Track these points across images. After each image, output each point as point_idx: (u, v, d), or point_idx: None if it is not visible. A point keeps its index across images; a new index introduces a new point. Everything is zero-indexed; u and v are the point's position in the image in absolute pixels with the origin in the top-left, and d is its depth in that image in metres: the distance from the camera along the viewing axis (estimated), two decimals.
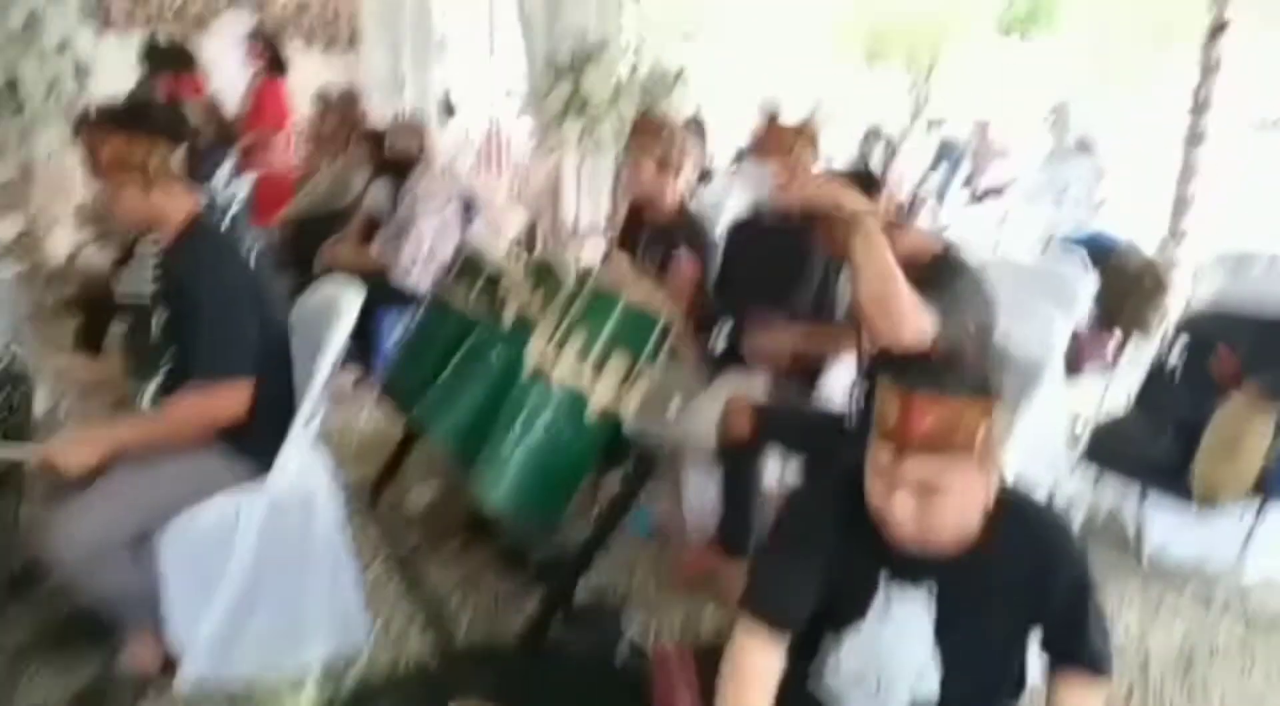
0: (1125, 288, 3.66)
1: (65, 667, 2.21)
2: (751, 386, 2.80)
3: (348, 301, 2.31)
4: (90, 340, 4.10)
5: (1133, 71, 8.07)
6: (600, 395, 2.17)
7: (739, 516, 2.70)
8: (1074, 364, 3.82)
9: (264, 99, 6.42)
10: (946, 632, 1.56)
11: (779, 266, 2.86)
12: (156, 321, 2.23)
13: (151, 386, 2.24)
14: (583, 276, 2.31)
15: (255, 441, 2.18)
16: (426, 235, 4.14)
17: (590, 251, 4.48)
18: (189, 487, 2.11)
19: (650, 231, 3.31)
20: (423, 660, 2.33)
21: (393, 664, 2.32)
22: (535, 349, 2.24)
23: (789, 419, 2.64)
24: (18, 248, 3.38)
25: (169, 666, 2.17)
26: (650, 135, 3.22)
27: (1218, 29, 4.43)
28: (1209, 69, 4.50)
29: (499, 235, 4.46)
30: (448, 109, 7.48)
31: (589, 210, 4.53)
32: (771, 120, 3.06)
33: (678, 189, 3.28)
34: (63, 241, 3.52)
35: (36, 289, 3.60)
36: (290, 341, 2.29)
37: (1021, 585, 1.51)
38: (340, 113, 5.29)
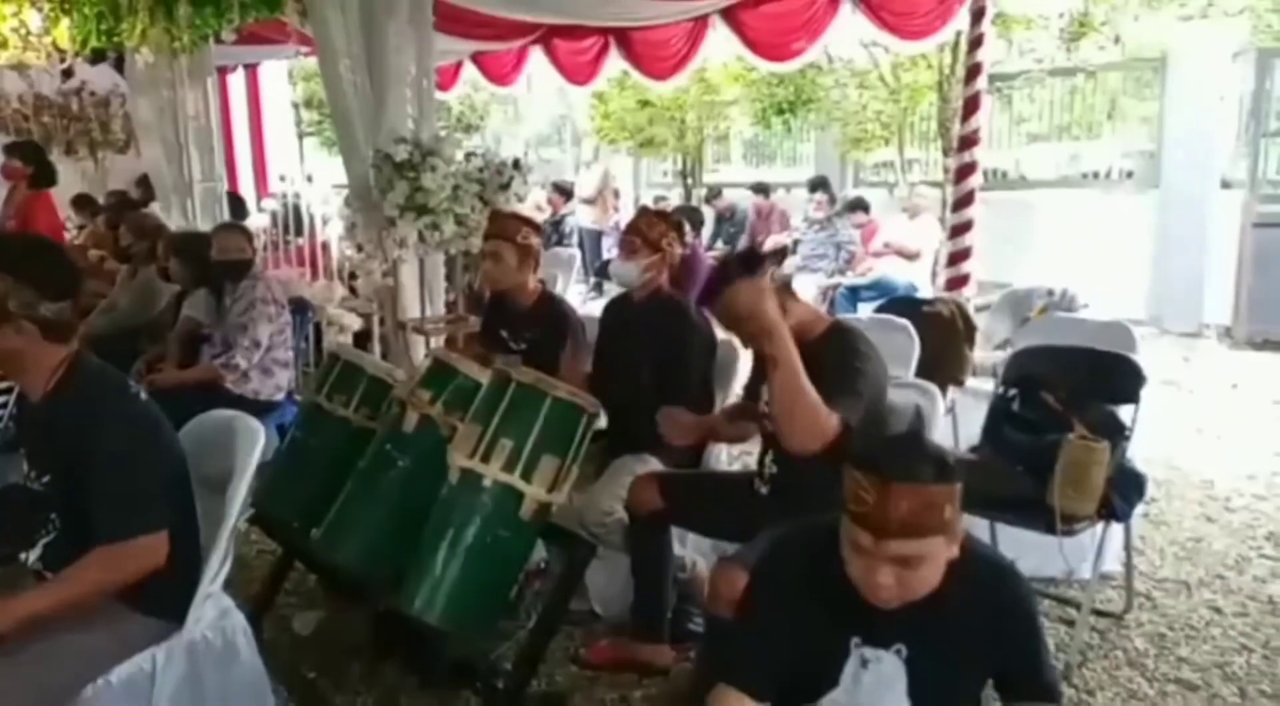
0: (942, 333, 4.01)
1: None
2: (647, 466, 2.88)
3: (250, 431, 2.20)
4: None
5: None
6: (534, 491, 2.18)
7: (652, 597, 2.75)
8: None
9: (33, 214, 5.94)
10: (920, 690, 1.65)
11: (656, 349, 2.97)
12: (33, 482, 2.02)
13: (34, 553, 2.02)
14: (498, 375, 2.32)
15: (163, 595, 2.01)
16: (264, 341, 3.96)
17: (434, 345, 4.43)
18: (103, 653, 1.92)
19: (514, 319, 3.37)
20: None
21: None
22: (460, 453, 2.21)
23: (697, 484, 2.74)
24: None
25: None
26: (509, 229, 3.31)
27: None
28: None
29: (342, 334, 4.34)
30: (237, 209, 7.18)
31: (429, 308, 4.49)
32: (635, 221, 3.20)
33: (537, 276, 3.40)
34: None
35: None
36: (189, 479, 2.14)
37: (981, 631, 1.62)
38: (137, 226, 5.00)
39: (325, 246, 5.73)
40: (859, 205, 8.53)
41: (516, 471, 2.18)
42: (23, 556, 2.04)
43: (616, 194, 11.24)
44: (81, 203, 8.18)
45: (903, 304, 4.33)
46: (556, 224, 9.74)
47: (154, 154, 6.78)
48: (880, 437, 1.80)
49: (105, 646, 1.92)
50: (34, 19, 5.07)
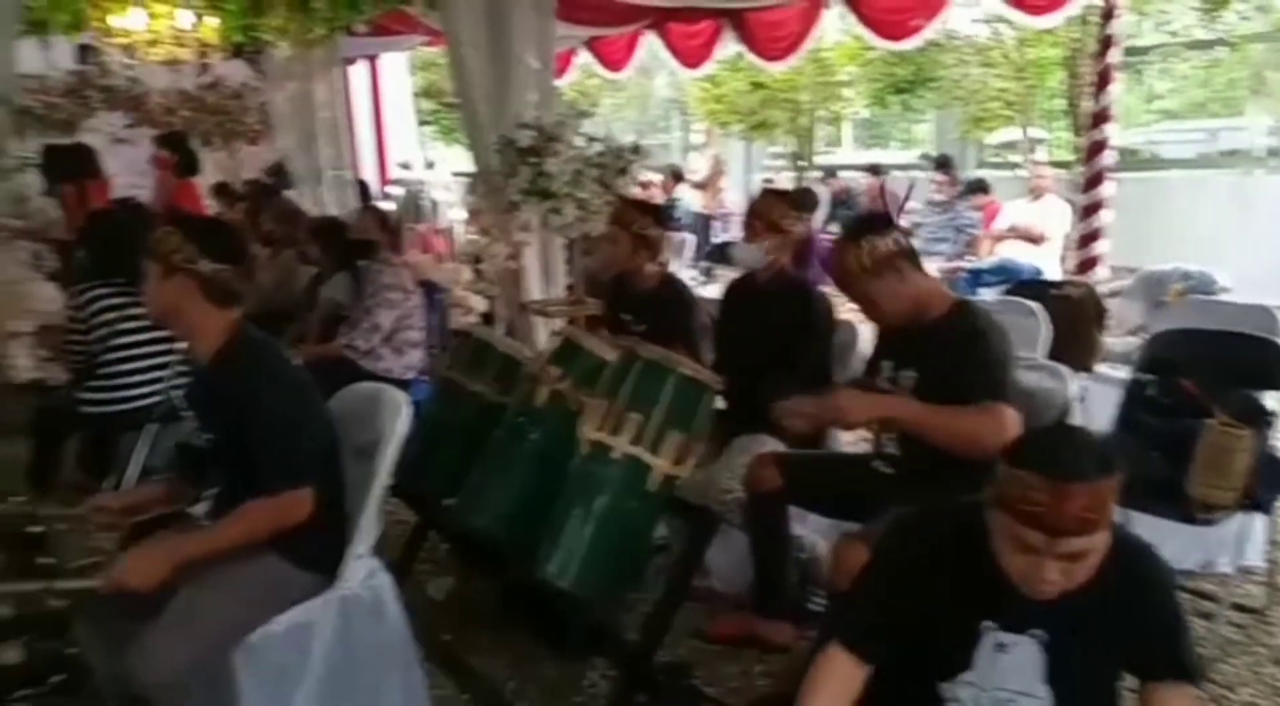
0: (1071, 317, 3.93)
1: None
2: (765, 446, 2.91)
3: (395, 402, 2.33)
4: (46, 462, 3.94)
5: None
6: (661, 464, 2.24)
7: (771, 575, 2.78)
8: None
9: (180, 200, 6.32)
10: (1059, 677, 1.63)
11: (780, 331, 3.00)
12: (205, 439, 2.20)
13: (204, 503, 2.21)
14: (625, 352, 2.39)
15: (316, 551, 2.16)
16: (385, 324, 4.18)
17: (552, 326, 4.54)
18: (262, 602, 2.08)
19: (635, 301, 3.45)
20: None
21: None
22: (590, 426, 2.29)
23: (816, 464, 2.76)
24: None
25: None
26: (625, 217, 3.41)
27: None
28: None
29: (468, 316, 4.51)
30: (364, 195, 7.50)
31: (548, 290, 4.60)
32: (755, 203, 3.23)
33: (656, 258, 3.47)
34: (21, 363, 3.38)
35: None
36: (337, 444, 2.29)
37: (1121, 614, 1.60)
38: (279, 212, 5.29)
39: (448, 231, 5.93)
40: (980, 187, 8.30)
41: (644, 444, 2.25)
42: (192, 508, 2.22)
43: (723, 176, 11.23)
44: (220, 190, 8.64)
45: (1030, 287, 4.22)
46: (669, 208, 9.79)
47: (287, 143, 7.14)
48: (1040, 435, 1.78)
49: (267, 598, 2.07)
50: (186, 18, 5.40)
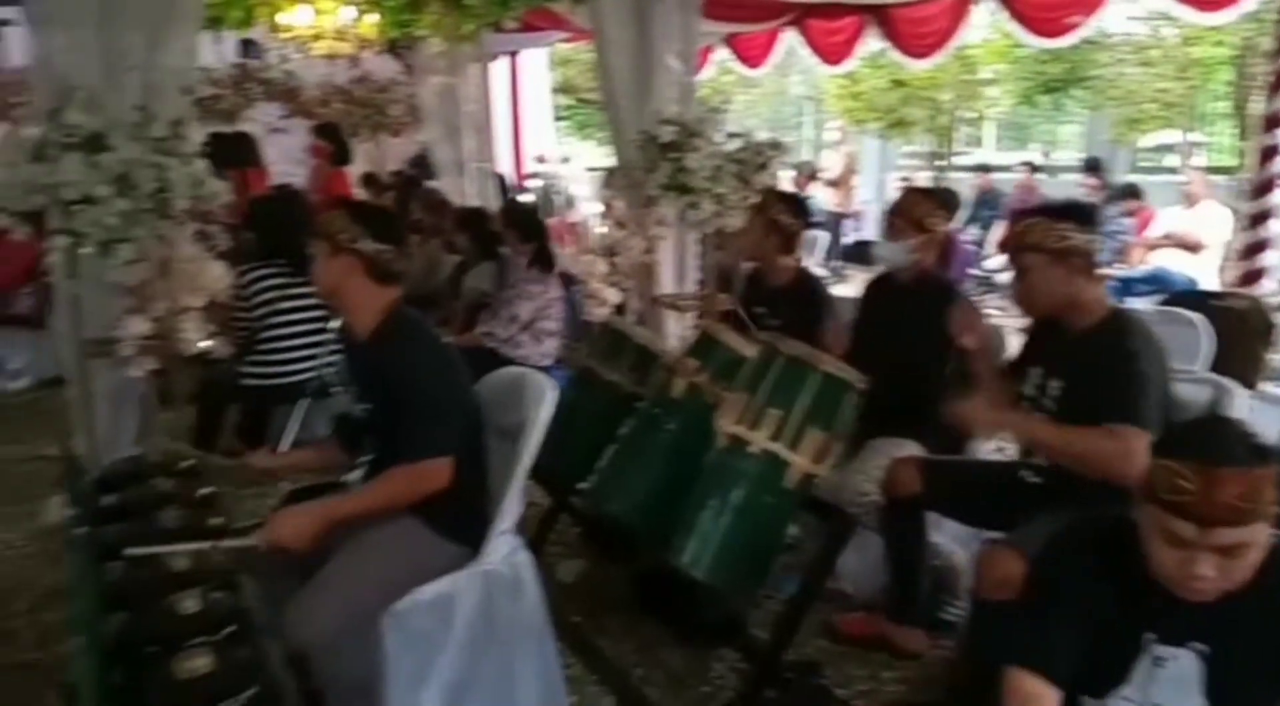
0: (1237, 332, 3.72)
1: None
2: (903, 450, 2.86)
3: (540, 387, 2.39)
4: (209, 429, 4.22)
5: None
6: (800, 461, 2.24)
7: (906, 581, 2.74)
8: None
9: (333, 188, 6.65)
10: (1219, 692, 1.56)
11: (921, 332, 2.92)
12: (362, 409, 2.32)
13: (359, 470, 2.33)
14: (766, 347, 2.39)
15: (459, 522, 2.26)
16: (523, 314, 4.31)
17: (684, 321, 4.58)
18: (409, 569, 2.17)
19: (769, 296, 3.44)
20: None
21: None
22: (728, 420, 2.31)
23: (960, 471, 2.69)
24: (151, 344, 3.46)
25: None
26: (764, 204, 3.42)
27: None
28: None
29: (602, 308, 4.59)
30: (502, 188, 7.71)
31: (680, 284, 4.63)
32: (900, 201, 3.17)
33: (793, 256, 3.46)
34: (192, 336, 3.61)
35: (173, 382, 3.69)
36: (481, 423, 2.37)
37: None
38: (427, 202, 5.51)
39: (582, 224, 6.05)
40: (1131, 192, 7.91)
41: (783, 441, 2.25)
42: (348, 476, 2.34)
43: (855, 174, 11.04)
44: (368, 180, 9.03)
45: (1189, 297, 4.00)
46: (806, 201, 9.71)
47: (433, 135, 7.40)
48: (1187, 423, 1.70)
49: (413, 565, 2.17)
50: (348, 14, 5.68)
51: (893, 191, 11.27)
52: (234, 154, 5.93)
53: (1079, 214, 2.34)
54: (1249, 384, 3.71)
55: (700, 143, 4.13)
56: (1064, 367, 2.29)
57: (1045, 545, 1.79)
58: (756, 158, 4.28)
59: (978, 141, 13.71)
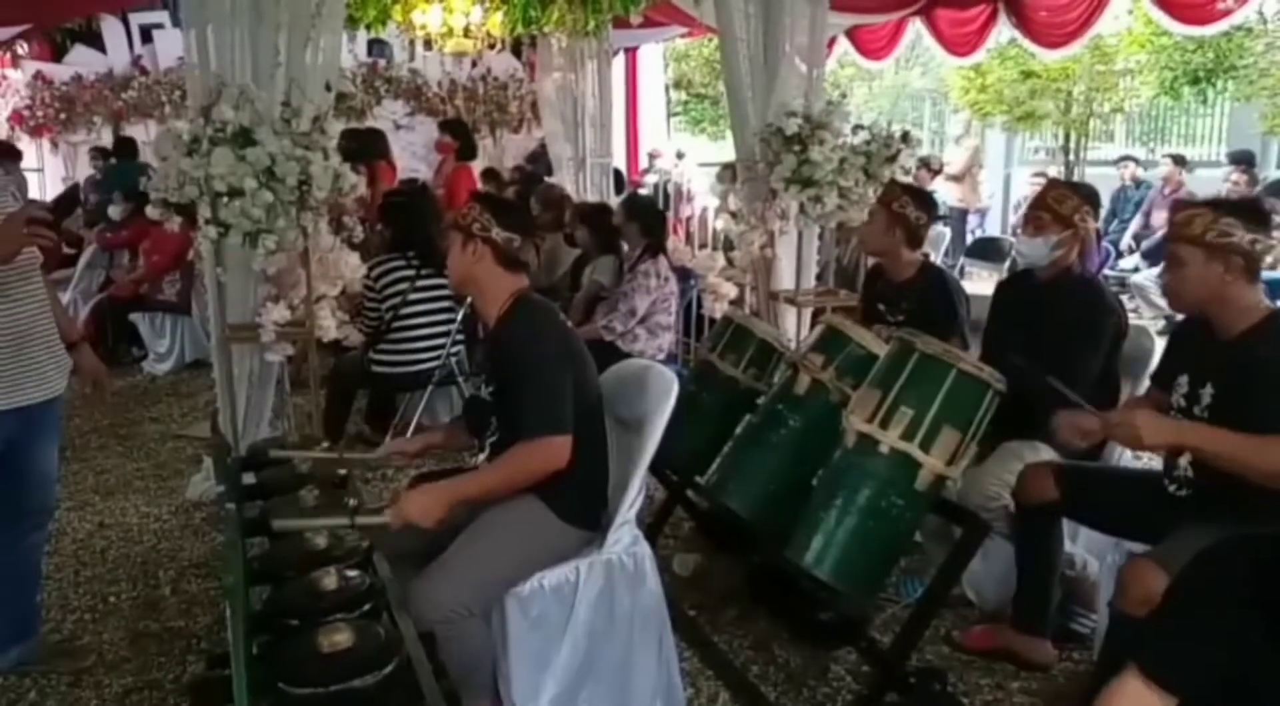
0: None
1: None
2: (1038, 454, 2.75)
3: (663, 379, 2.40)
4: (339, 412, 4.39)
5: None
6: (933, 463, 2.17)
7: (1037, 590, 2.63)
8: None
9: (458, 183, 6.80)
10: None
11: (1062, 332, 2.79)
12: (487, 390, 2.37)
13: (485, 451, 2.38)
14: (902, 344, 2.33)
15: (580, 507, 2.28)
16: (640, 308, 4.33)
17: (804, 317, 4.52)
18: (530, 552, 2.21)
19: (891, 291, 3.36)
20: None
21: None
22: (858, 417, 2.26)
23: (1098, 479, 2.57)
24: (289, 331, 3.62)
25: None
26: (887, 194, 3.35)
27: None
28: None
29: (718, 303, 4.57)
30: (619, 183, 7.76)
31: (799, 280, 4.57)
32: (1043, 194, 3.03)
33: (915, 245, 3.36)
34: (327, 323, 3.76)
35: (307, 368, 3.85)
36: (603, 411, 2.39)
37: None
38: (545, 197, 5.59)
39: (700, 219, 6.03)
40: None
41: (915, 440, 2.18)
42: (475, 458, 2.39)
43: (980, 168, 10.67)
44: (489, 176, 9.22)
45: None
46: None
47: (553, 130, 7.50)
48: None
49: (535, 548, 2.22)
50: (476, 12, 5.81)
51: (1021, 187, 10.85)
52: (366, 149, 6.15)
53: (1249, 212, 2.19)
54: None
55: (825, 135, 4.06)
56: (1217, 374, 2.16)
57: (1195, 557, 1.68)
58: (885, 150, 4.18)
59: (1109, 136, 13.06)
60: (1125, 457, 2.87)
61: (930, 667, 2.49)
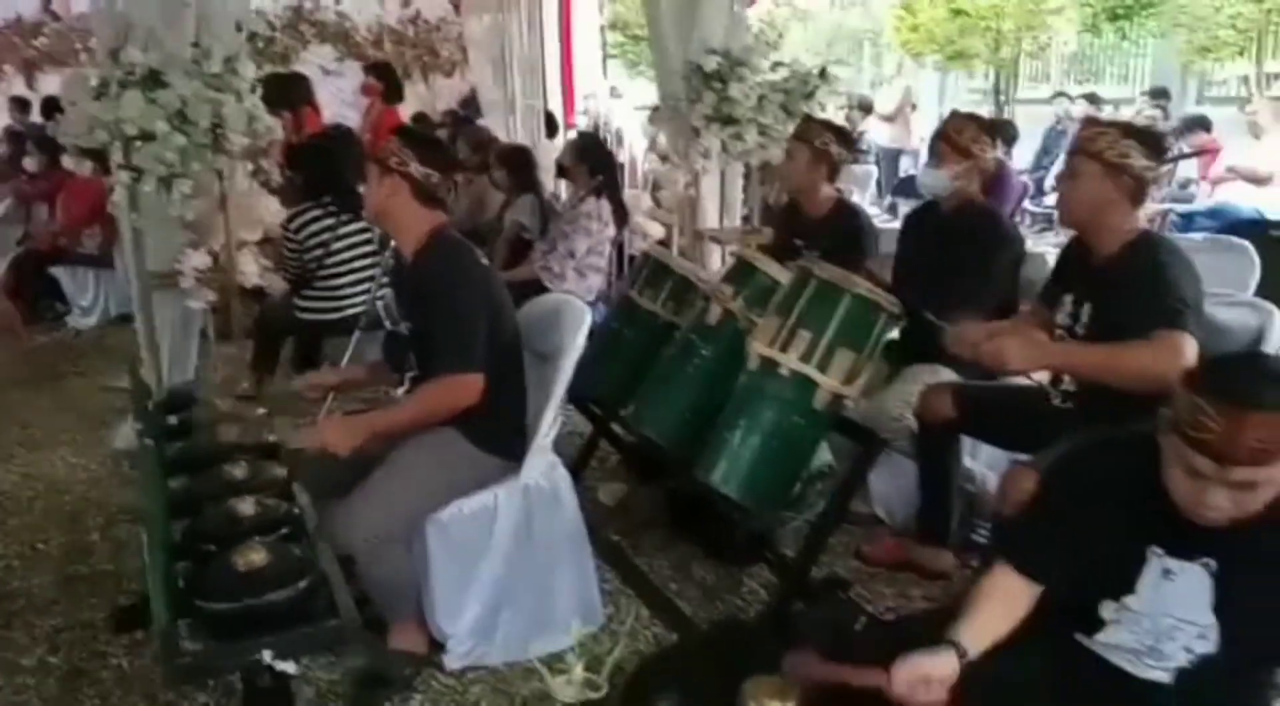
0: None
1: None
2: (938, 376, 2.88)
3: (576, 312, 2.47)
4: (266, 359, 4.39)
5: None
6: (830, 383, 2.28)
7: (938, 504, 2.78)
8: None
9: (385, 126, 6.71)
10: (1228, 608, 1.58)
11: (963, 261, 2.92)
12: (406, 327, 2.43)
13: (402, 389, 2.44)
14: (801, 270, 2.42)
15: (498, 437, 2.36)
16: (579, 250, 4.37)
17: (728, 254, 4.61)
18: (451, 481, 2.30)
19: (807, 227, 3.45)
20: (665, 641, 2.46)
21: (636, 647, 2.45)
22: (760, 342, 2.35)
23: (992, 396, 2.71)
24: (210, 277, 3.61)
25: (434, 648, 2.35)
26: (807, 132, 3.41)
27: None
28: None
29: (644, 242, 4.64)
30: (550, 127, 7.71)
31: (724, 219, 4.65)
32: (944, 126, 3.13)
33: (833, 185, 3.45)
34: (249, 269, 3.76)
35: (231, 316, 3.85)
36: (520, 345, 2.46)
37: None
38: (473, 140, 5.57)
39: (630, 162, 6.05)
40: (1198, 123, 7.64)
41: (813, 362, 2.29)
42: (396, 392, 2.46)
43: (914, 109, 10.78)
44: (419, 121, 9.10)
45: (1246, 227, 3.92)
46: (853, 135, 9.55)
47: (484, 74, 7.42)
48: (1222, 360, 1.70)
49: (454, 476, 2.30)
50: None
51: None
52: (287, 94, 6.03)
53: (1149, 140, 2.30)
54: None
55: (745, 73, 4.12)
56: (1093, 292, 2.29)
57: (1055, 458, 1.82)
58: (803, 87, 4.26)
59: (1046, 75, 13.26)
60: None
61: (834, 577, 2.64)
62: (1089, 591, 1.69)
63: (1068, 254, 2.53)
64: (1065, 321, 2.40)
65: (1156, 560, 1.62)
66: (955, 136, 2.99)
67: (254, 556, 1.69)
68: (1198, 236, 4.07)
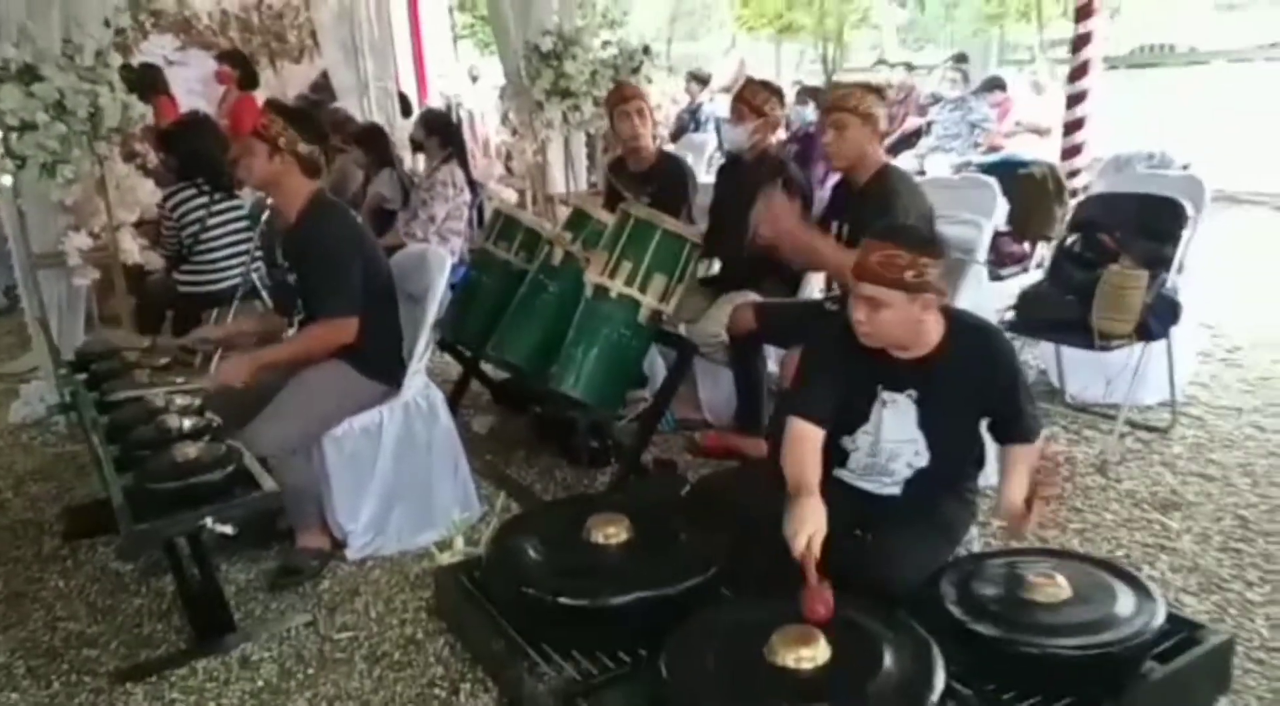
0: (1033, 192, 4.45)
1: (255, 555, 2.82)
2: (746, 298, 3.49)
3: (439, 257, 2.96)
4: (150, 330, 4.66)
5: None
6: (649, 301, 2.84)
7: (751, 402, 3.40)
8: (997, 268, 4.61)
9: (241, 113, 6.91)
10: (927, 423, 2.21)
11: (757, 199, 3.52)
12: (290, 276, 2.85)
13: (291, 330, 2.88)
14: (621, 213, 2.97)
15: (379, 365, 2.83)
16: (439, 215, 4.80)
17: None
18: (342, 403, 2.75)
19: (634, 179, 3.97)
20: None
21: None
22: (593, 272, 2.89)
23: (784, 308, 3.33)
24: (93, 256, 3.90)
25: (336, 547, 2.81)
26: (628, 97, 3.92)
27: None
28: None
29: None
30: (405, 107, 8.01)
31: (571, 184, 5.16)
32: (740, 90, 3.71)
33: (653, 137, 3.99)
34: (129, 247, 4.05)
35: (115, 294, 4.13)
36: (394, 288, 2.92)
37: (973, 380, 2.17)
38: (332, 121, 5.87)
39: (487, 137, 6.45)
40: (995, 84, 8.56)
41: (635, 285, 2.85)
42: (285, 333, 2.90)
43: None
44: (272, 107, 9.21)
45: (999, 168, 4.70)
46: (694, 112, 10.18)
47: (334, 57, 7.65)
48: (887, 222, 2.38)
49: (344, 398, 2.76)
50: None
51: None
52: (144, 84, 6.17)
53: (878, 92, 3.01)
54: (1046, 236, 4.50)
55: (578, 51, 4.63)
56: (849, 214, 2.93)
57: (810, 328, 2.43)
58: (630, 62, 4.80)
59: (880, 44, 14.23)
60: (814, 294, 3.68)
61: (662, 458, 3.23)
62: (839, 428, 2.30)
63: (837, 190, 3.16)
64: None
65: (882, 394, 2.24)
66: (750, 98, 3.57)
67: (189, 450, 2.12)
68: (955, 177, 4.86)
